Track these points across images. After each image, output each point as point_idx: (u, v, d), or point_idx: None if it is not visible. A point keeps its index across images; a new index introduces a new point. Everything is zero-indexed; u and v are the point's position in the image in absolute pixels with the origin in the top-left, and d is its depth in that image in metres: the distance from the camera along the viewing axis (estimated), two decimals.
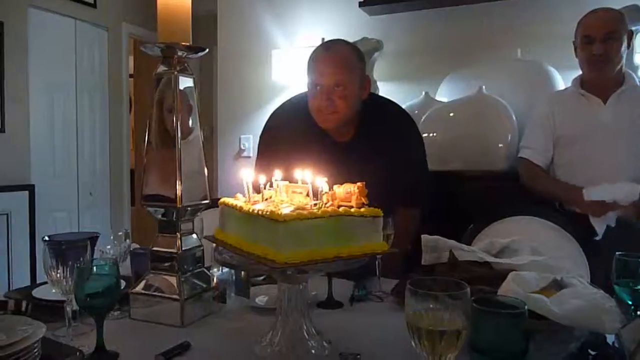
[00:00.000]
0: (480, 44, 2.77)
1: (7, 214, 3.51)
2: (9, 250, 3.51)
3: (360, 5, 2.85)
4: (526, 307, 0.71)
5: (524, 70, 2.50)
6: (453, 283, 0.72)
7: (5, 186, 3.52)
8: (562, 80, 2.43)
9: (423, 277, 0.76)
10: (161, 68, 1.29)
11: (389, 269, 1.45)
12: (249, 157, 3.31)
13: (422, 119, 2.48)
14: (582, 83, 2.02)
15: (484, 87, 2.41)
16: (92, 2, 4.28)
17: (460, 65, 2.71)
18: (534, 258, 1.01)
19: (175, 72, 1.27)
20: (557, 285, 0.91)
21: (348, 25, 2.96)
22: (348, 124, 1.76)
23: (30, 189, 3.68)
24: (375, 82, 2.85)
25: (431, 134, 2.44)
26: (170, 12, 1.27)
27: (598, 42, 1.88)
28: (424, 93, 2.67)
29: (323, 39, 2.69)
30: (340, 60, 1.69)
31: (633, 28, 2.06)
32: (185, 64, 1.30)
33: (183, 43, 1.25)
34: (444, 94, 2.70)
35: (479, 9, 2.75)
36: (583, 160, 1.97)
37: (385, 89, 2.85)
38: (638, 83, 1.98)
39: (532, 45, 2.60)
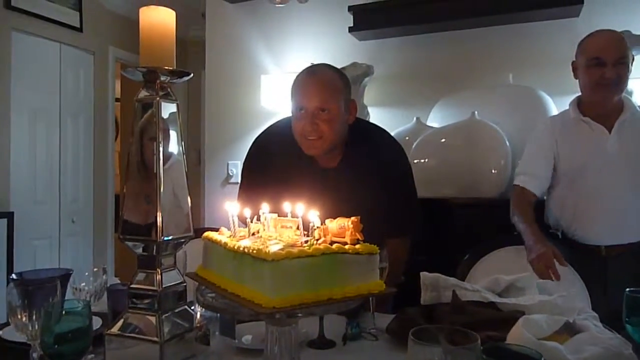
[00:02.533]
0: (471, 69, 2.75)
1: None
2: None
3: (350, 30, 2.83)
4: (542, 358, 0.64)
5: (517, 95, 2.48)
6: (461, 332, 0.65)
7: None
8: (555, 105, 2.40)
9: (427, 326, 0.68)
10: (143, 93, 1.22)
11: (379, 302, 1.38)
12: (237, 183, 3.22)
13: (414, 145, 2.44)
14: (581, 108, 1.91)
15: (476, 112, 2.38)
16: (79, 27, 4.22)
17: (452, 90, 2.69)
18: (542, 298, 0.94)
19: (158, 98, 1.20)
20: (570, 329, 0.84)
21: (338, 50, 2.93)
22: (334, 150, 1.70)
23: (9, 216, 3.55)
24: (366, 107, 2.81)
25: (423, 160, 2.40)
26: (153, 36, 1.20)
27: (610, 65, 1.77)
28: (415, 118, 2.63)
29: (312, 64, 2.64)
30: (325, 83, 1.63)
31: None
32: (169, 89, 1.24)
33: (166, 67, 1.19)
34: (435, 120, 2.67)
35: (469, 34, 2.74)
36: (590, 192, 1.86)
37: (376, 115, 2.81)
38: (638, 108, 1.90)
39: (523, 71, 2.59)
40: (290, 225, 0.96)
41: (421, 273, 1.14)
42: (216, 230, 1.15)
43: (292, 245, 0.87)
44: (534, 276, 1.08)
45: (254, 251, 0.83)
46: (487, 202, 2.31)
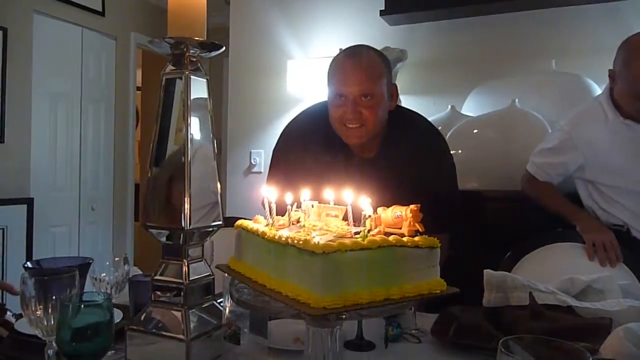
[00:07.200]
0: (510, 55, 2.60)
1: (3, 229, 3.32)
2: (3, 268, 3.31)
3: (382, 14, 2.69)
4: None
5: (561, 83, 2.32)
6: (561, 348, 0.53)
7: (3, 199, 3.34)
8: None
9: (511, 337, 0.56)
10: (169, 68, 1.12)
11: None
12: (260, 172, 3.13)
13: (448, 135, 2.31)
14: (619, 108, 1.79)
15: (517, 100, 2.23)
16: (101, 11, 4.15)
17: (489, 77, 2.54)
18: (632, 303, 0.81)
19: (187, 72, 1.09)
20: None
21: (368, 35, 2.79)
22: (374, 139, 1.59)
23: (29, 202, 3.50)
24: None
25: (459, 151, 2.26)
26: (183, 3, 1.10)
27: None
28: (449, 107, 2.49)
29: (341, 49, 2.52)
30: (367, 66, 1.51)
31: None
32: (199, 64, 1.13)
33: (196, 38, 1.08)
34: (471, 108, 2.53)
35: (508, 18, 2.58)
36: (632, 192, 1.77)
37: (408, 103, 2.67)
38: None
39: (567, 57, 2.43)
40: (336, 213, 0.85)
41: (485, 271, 1.01)
42: (244, 219, 1.05)
43: (342, 237, 0.75)
44: (612, 275, 0.95)
45: (300, 242, 0.71)
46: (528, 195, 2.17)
